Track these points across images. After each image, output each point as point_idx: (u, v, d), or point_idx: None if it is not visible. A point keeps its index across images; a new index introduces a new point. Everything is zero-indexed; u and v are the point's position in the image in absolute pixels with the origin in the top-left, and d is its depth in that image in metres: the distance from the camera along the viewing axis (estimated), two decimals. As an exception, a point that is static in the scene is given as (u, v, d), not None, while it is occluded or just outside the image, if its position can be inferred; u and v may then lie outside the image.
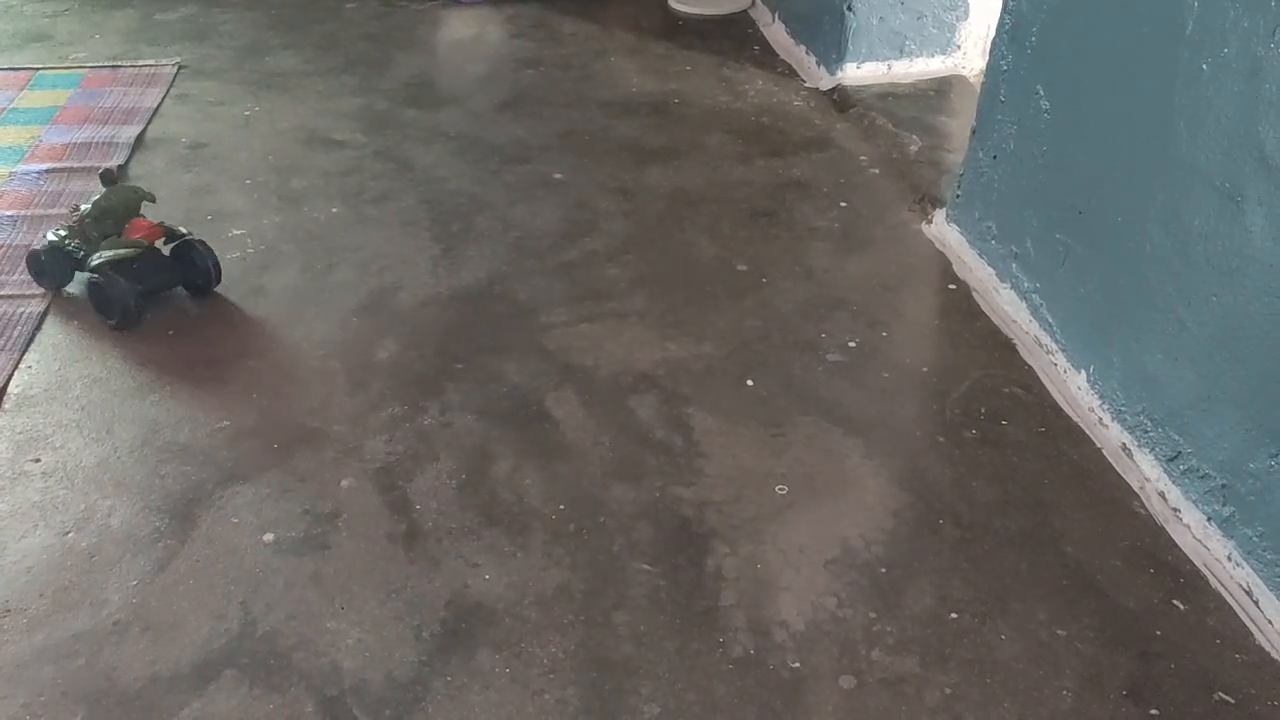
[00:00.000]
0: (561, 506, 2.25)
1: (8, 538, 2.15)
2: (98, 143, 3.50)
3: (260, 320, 2.77)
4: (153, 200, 2.81)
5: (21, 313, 2.73)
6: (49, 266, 2.78)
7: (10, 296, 2.78)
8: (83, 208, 2.78)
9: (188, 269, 2.81)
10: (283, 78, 4.03)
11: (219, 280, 2.83)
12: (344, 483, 2.29)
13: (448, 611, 2.02)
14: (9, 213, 3.12)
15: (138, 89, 3.87)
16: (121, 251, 2.68)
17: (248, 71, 4.07)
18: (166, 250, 2.81)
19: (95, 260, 2.66)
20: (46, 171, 3.33)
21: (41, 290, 2.80)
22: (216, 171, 3.42)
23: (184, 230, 2.82)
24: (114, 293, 2.65)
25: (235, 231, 3.12)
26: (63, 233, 2.76)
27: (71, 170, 3.34)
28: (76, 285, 2.83)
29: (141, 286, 2.69)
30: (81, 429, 2.41)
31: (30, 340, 2.66)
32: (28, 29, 4.31)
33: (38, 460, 2.33)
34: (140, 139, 3.56)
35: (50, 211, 3.12)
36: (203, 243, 2.80)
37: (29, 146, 3.47)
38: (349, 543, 2.16)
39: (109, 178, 2.78)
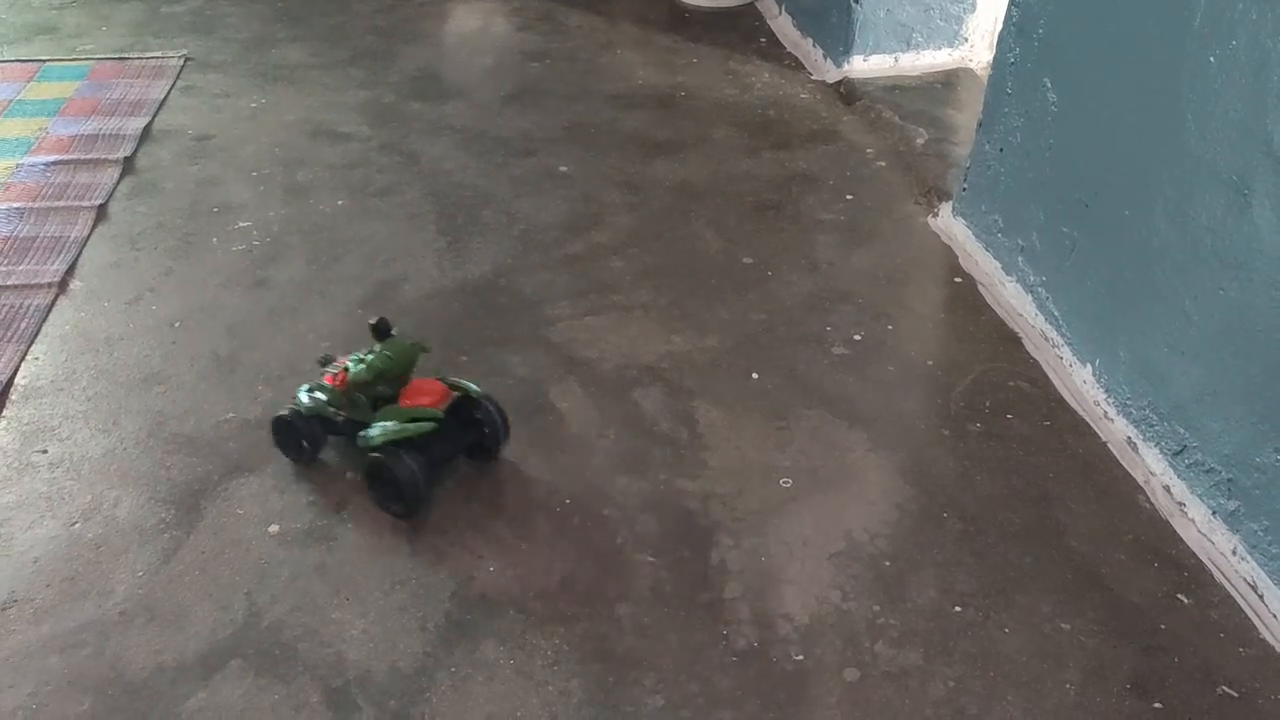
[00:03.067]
0: (566, 499, 2.25)
1: (15, 528, 2.16)
2: (105, 135, 3.50)
3: (264, 311, 2.77)
4: (428, 351, 2.32)
5: (28, 304, 2.74)
6: (304, 434, 2.29)
7: (17, 287, 2.79)
8: (349, 366, 2.26)
9: (472, 431, 2.30)
10: (289, 70, 4.03)
11: (508, 438, 2.33)
12: (349, 474, 2.30)
13: (452, 603, 2.02)
14: (16, 204, 3.13)
15: (144, 81, 3.88)
16: (411, 427, 2.16)
17: (254, 64, 4.07)
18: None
19: (378, 437, 2.16)
20: (53, 163, 3.34)
21: (48, 281, 2.81)
22: (223, 164, 3.42)
23: (473, 387, 2.30)
24: (402, 475, 2.13)
25: (241, 223, 3.12)
26: (321, 396, 2.28)
27: (78, 162, 3.34)
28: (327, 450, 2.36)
29: (427, 462, 2.17)
30: (88, 420, 2.42)
31: (37, 332, 2.66)
32: (35, 21, 4.32)
33: (45, 451, 2.34)
34: (147, 131, 3.56)
35: (57, 204, 3.13)
36: (490, 398, 2.30)
37: (36, 138, 3.48)
38: (354, 534, 2.16)
39: (384, 330, 2.22)
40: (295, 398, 2.32)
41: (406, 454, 2.14)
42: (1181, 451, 2.21)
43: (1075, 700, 1.86)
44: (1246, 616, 2.02)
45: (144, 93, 3.79)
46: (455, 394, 2.27)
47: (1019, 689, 1.88)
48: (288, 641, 1.95)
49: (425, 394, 2.23)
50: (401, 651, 1.93)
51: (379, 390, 2.23)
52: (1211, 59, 2.02)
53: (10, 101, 3.71)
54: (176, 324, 2.72)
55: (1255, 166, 1.93)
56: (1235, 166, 1.98)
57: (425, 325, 2.73)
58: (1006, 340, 2.72)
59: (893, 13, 3.81)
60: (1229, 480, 2.08)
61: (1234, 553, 2.08)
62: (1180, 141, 2.13)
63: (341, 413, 2.26)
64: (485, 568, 2.09)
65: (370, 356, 2.22)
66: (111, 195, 3.22)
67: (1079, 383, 2.52)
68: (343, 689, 1.86)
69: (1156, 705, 1.86)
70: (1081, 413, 2.48)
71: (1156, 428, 2.28)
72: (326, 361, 2.36)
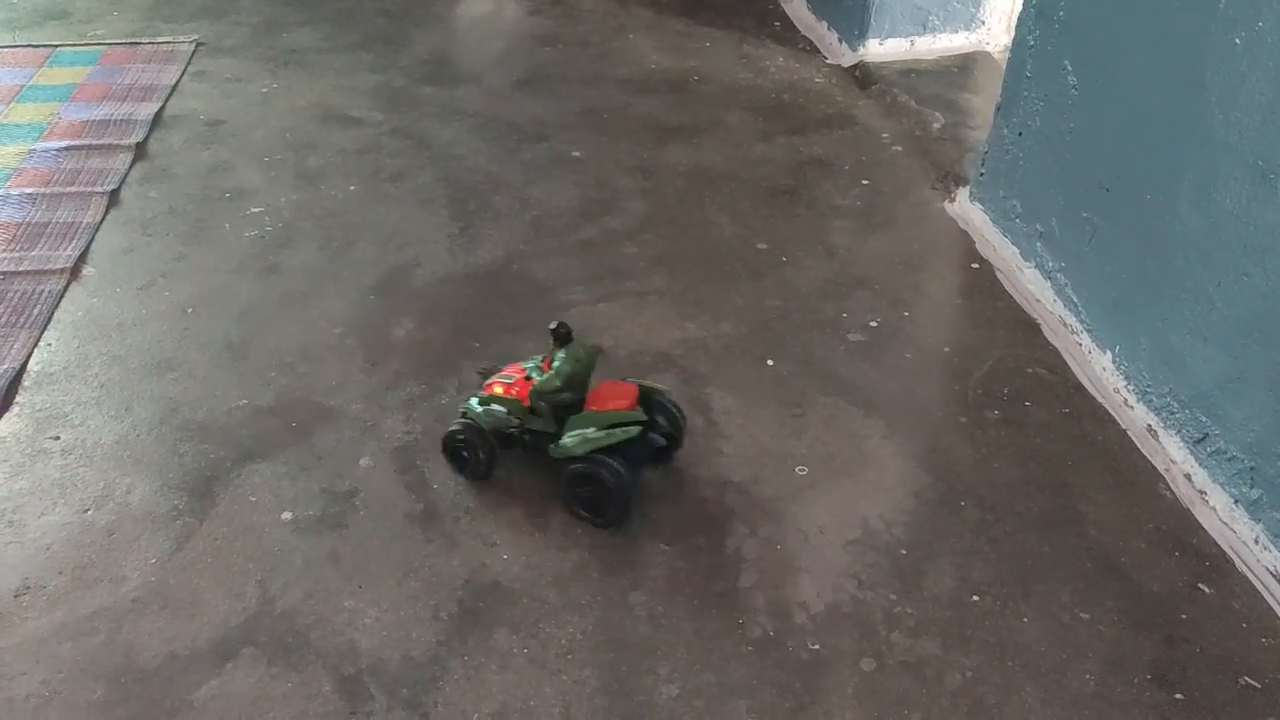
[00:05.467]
0: (580, 486, 2.23)
1: (28, 515, 2.15)
2: (116, 120, 3.49)
3: (276, 297, 2.76)
4: (603, 353, 2.27)
5: (41, 290, 2.73)
6: (481, 449, 2.19)
7: (29, 273, 2.79)
8: (533, 376, 2.16)
9: (658, 431, 2.21)
10: (300, 55, 4.01)
11: (684, 437, 2.27)
12: (362, 462, 2.29)
13: (465, 591, 2.01)
14: (29, 190, 3.12)
15: (156, 66, 3.86)
16: (619, 433, 2.09)
17: (265, 48, 4.05)
18: None
19: (579, 445, 2.08)
20: (65, 149, 3.33)
21: (61, 267, 2.80)
22: (234, 149, 3.41)
23: (660, 386, 2.25)
24: (614, 482, 2.06)
25: (253, 209, 3.11)
26: (500, 409, 2.16)
27: (90, 147, 3.33)
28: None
29: (629, 466, 2.10)
30: (101, 407, 2.41)
31: (49, 318, 2.66)
32: (47, 6, 4.31)
33: (57, 438, 2.33)
34: (159, 116, 3.55)
35: (69, 189, 3.12)
36: (661, 394, 2.22)
37: (48, 124, 3.47)
38: (367, 522, 2.15)
39: (565, 334, 2.14)
40: (466, 411, 2.20)
41: (611, 460, 2.06)
42: (1203, 439, 2.18)
43: (1095, 690, 1.84)
44: (1269, 606, 1.99)
45: (155, 78, 3.78)
46: (639, 391, 2.18)
47: (1038, 679, 1.86)
48: (300, 629, 1.94)
49: (618, 397, 2.13)
50: (414, 640, 1.92)
51: (564, 397, 2.13)
52: (1237, 41, 1.99)
53: (22, 87, 3.70)
54: (189, 310, 2.71)
55: (1281, 150, 1.90)
56: (1261, 150, 1.95)
57: (438, 311, 2.71)
58: (1024, 326, 2.69)
59: (909, -5, 3.77)
60: (1252, 468, 2.06)
61: (1256, 541, 2.05)
62: (1204, 125, 2.10)
63: (525, 425, 2.16)
64: (499, 555, 2.08)
65: (558, 363, 2.12)
66: (124, 181, 3.21)
67: (1098, 369, 2.49)
68: (355, 677, 1.85)
69: (1178, 696, 1.83)
70: (1101, 400, 2.45)
71: (1178, 415, 2.25)
72: (489, 373, 2.26)
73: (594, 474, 2.07)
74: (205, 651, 1.90)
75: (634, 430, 2.09)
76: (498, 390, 2.18)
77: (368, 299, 2.76)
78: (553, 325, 2.13)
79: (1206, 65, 2.08)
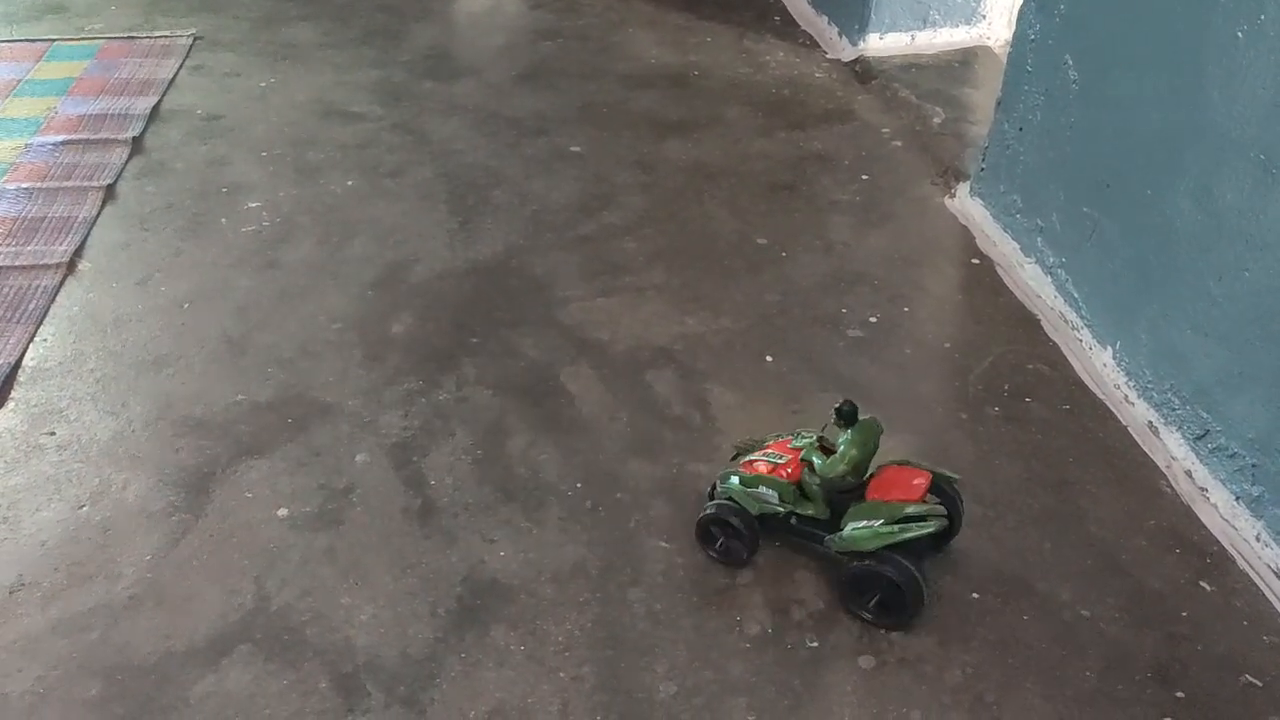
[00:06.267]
0: (578, 483, 2.22)
1: (22, 511, 2.14)
2: (113, 114, 3.48)
3: (273, 292, 2.75)
4: (882, 431, 1.99)
5: (36, 285, 2.72)
6: (744, 535, 2.00)
7: (25, 268, 2.77)
8: (812, 459, 1.96)
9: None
10: (299, 49, 3.99)
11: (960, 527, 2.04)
12: (359, 458, 2.28)
13: (463, 588, 2.00)
14: (25, 184, 3.11)
15: (153, 60, 3.85)
16: (916, 528, 1.86)
17: (264, 43, 4.03)
18: None
19: (868, 540, 1.87)
20: (62, 143, 3.32)
21: (57, 262, 2.79)
22: (232, 144, 3.39)
23: (951, 474, 2.01)
24: (905, 582, 1.86)
25: (251, 204, 3.10)
26: (769, 492, 1.96)
27: (87, 142, 3.32)
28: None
29: (919, 562, 1.90)
30: (96, 402, 2.40)
31: (45, 313, 2.64)
32: (44, 0, 4.29)
33: (52, 433, 2.32)
34: (156, 111, 3.54)
35: (65, 183, 3.11)
36: (950, 482, 2.01)
37: (45, 118, 3.46)
38: (364, 518, 2.14)
39: (852, 414, 1.92)
40: (725, 492, 2.01)
41: (901, 557, 1.86)
42: (1204, 436, 2.17)
43: (1095, 688, 1.83)
44: (1270, 604, 1.98)
45: (153, 72, 3.76)
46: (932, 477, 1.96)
47: (1038, 677, 1.85)
48: (296, 626, 1.93)
49: (908, 487, 1.91)
50: (411, 637, 1.91)
51: (847, 483, 1.94)
52: (1239, 34, 1.97)
53: (19, 81, 3.68)
54: (186, 305, 2.70)
55: (1284, 144, 1.89)
56: (1263, 144, 1.94)
57: (437, 306, 2.70)
58: (1025, 322, 2.68)
59: (910, -11, 3.76)
60: (1253, 465, 2.04)
61: (1258, 539, 2.04)
62: (1206, 119, 2.08)
63: (794, 509, 1.98)
64: (496, 552, 2.07)
65: (843, 446, 1.92)
66: (120, 175, 3.20)
67: (1099, 366, 2.48)
68: (352, 675, 1.85)
69: (1179, 694, 1.82)
70: (1101, 396, 2.44)
71: (1179, 411, 2.24)
72: (748, 448, 2.08)
73: (882, 573, 1.87)
74: (201, 648, 1.89)
75: (930, 526, 1.86)
76: (762, 469, 1.98)
77: (366, 294, 2.75)
78: (838, 404, 1.93)
79: (1208, 59, 2.06)
